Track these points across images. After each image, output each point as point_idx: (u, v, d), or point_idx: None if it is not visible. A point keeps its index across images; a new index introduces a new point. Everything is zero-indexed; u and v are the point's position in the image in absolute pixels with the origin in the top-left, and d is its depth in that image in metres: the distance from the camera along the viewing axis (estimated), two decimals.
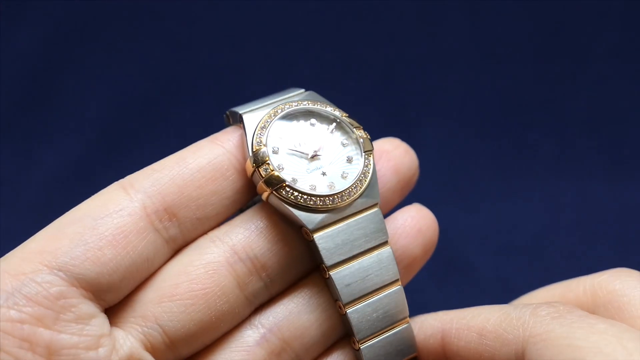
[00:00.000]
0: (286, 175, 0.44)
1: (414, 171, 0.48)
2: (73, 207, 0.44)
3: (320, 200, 0.44)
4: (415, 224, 0.46)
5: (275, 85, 0.91)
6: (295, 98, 0.48)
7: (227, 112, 0.48)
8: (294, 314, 0.44)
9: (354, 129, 0.47)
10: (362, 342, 0.44)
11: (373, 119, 0.90)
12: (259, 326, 0.44)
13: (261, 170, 0.44)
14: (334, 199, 0.44)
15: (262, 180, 0.44)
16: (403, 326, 0.45)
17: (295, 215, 0.44)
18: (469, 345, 0.41)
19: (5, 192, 0.87)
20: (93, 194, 0.45)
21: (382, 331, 0.44)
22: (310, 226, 0.44)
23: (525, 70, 0.94)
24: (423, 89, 0.93)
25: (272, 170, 0.44)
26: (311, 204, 0.44)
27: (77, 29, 0.94)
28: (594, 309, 0.41)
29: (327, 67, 0.94)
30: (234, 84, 0.93)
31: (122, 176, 0.45)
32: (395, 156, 0.48)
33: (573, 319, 0.37)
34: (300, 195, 0.44)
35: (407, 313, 0.45)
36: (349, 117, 0.48)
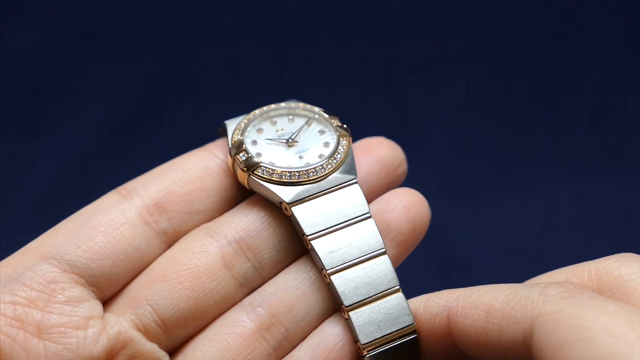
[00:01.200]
0: (263, 159, 0.47)
1: (399, 161, 0.49)
2: (73, 209, 0.47)
3: (294, 174, 0.47)
4: (401, 201, 0.47)
5: (275, 86, 0.92)
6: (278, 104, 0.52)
7: (219, 128, 0.50)
8: (282, 289, 0.45)
9: (331, 119, 0.50)
10: (350, 309, 0.44)
11: (373, 119, 0.91)
12: (248, 304, 0.45)
13: (238, 157, 0.47)
14: (308, 172, 0.47)
15: (239, 166, 0.47)
16: (395, 295, 0.45)
17: (272, 191, 0.46)
18: (476, 323, 0.40)
19: (6, 191, 0.87)
20: (93, 193, 0.48)
21: (371, 298, 0.45)
22: (287, 199, 0.46)
23: (525, 70, 0.94)
24: (423, 89, 0.93)
25: (249, 156, 0.47)
26: (286, 179, 0.46)
27: (77, 29, 0.94)
28: (600, 294, 0.40)
29: (327, 67, 0.94)
30: (235, 85, 0.93)
31: (122, 176, 0.48)
32: (378, 148, 0.49)
33: (583, 300, 0.36)
34: (274, 172, 0.47)
35: (398, 283, 0.45)
36: (326, 111, 0.51)
